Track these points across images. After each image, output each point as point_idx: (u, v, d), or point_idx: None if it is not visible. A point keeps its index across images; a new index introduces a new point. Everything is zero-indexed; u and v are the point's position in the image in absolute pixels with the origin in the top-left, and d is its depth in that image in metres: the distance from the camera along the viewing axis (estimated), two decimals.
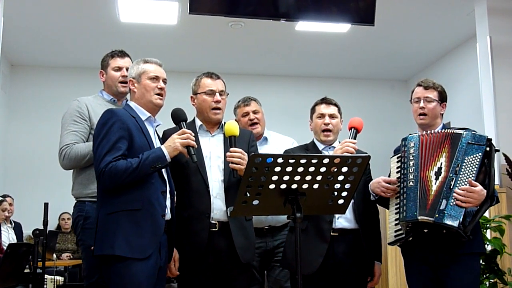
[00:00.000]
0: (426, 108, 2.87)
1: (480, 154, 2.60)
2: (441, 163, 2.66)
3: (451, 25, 6.60)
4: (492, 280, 3.77)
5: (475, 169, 2.59)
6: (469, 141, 2.64)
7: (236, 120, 3.69)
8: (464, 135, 2.66)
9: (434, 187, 2.64)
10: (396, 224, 2.76)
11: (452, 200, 2.56)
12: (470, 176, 2.58)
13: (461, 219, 2.53)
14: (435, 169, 2.66)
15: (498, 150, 2.71)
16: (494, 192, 2.63)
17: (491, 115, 4.86)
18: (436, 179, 2.65)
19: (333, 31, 6.59)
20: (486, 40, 4.98)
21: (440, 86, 2.94)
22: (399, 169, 2.79)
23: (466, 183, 2.57)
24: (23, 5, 5.86)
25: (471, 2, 5.33)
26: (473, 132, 2.70)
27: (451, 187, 2.59)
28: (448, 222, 2.53)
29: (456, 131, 2.72)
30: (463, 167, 2.60)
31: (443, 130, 2.80)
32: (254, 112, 3.62)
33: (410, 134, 2.83)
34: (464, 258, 2.67)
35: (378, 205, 3.03)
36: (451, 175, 2.61)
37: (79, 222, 3.01)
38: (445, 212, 2.55)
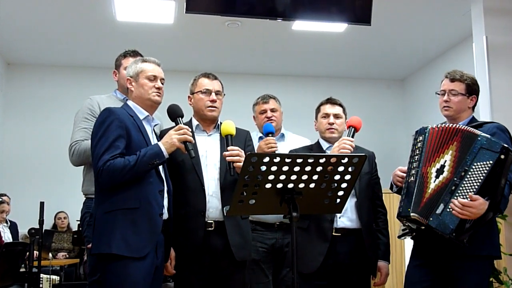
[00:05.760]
0: (451, 101, 2.75)
1: (491, 162, 2.36)
2: (445, 161, 2.49)
3: (447, 25, 6.61)
4: None
5: (482, 177, 2.37)
6: (482, 146, 2.40)
7: (254, 117, 3.70)
8: (479, 138, 2.42)
9: (432, 185, 2.49)
10: None
11: (450, 208, 2.40)
12: (476, 183, 2.38)
13: (454, 227, 2.37)
14: (437, 166, 2.50)
15: None
16: (500, 203, 2.41)
17: (487, 115, 4.86)
18: (437, 177, 2.49)
19: (329, 31, 6.60)
20: (482, 40, 4.98)
21: (469, 78, 2.77)
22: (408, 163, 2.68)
23: (470, 190, 2.38)
24: (19, 4, 5.83)
25: (467, 2, 5.33)
26: (488, 136, 2.44)
27: (452, 192, 2.41)
28: (440, 228, 2.40)
29: (473, 130, 2.48)
30: (470, 173, 2.40)
31: (451, 125, 2.58)
32: (272, 110, 3.65)
33: (422, 127, 2.68)
34: (471, 259, 2.54)
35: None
36: (455, 178, 2.43)
37: (86, 219, 3.04)
38: (440, 217, 2.41)
